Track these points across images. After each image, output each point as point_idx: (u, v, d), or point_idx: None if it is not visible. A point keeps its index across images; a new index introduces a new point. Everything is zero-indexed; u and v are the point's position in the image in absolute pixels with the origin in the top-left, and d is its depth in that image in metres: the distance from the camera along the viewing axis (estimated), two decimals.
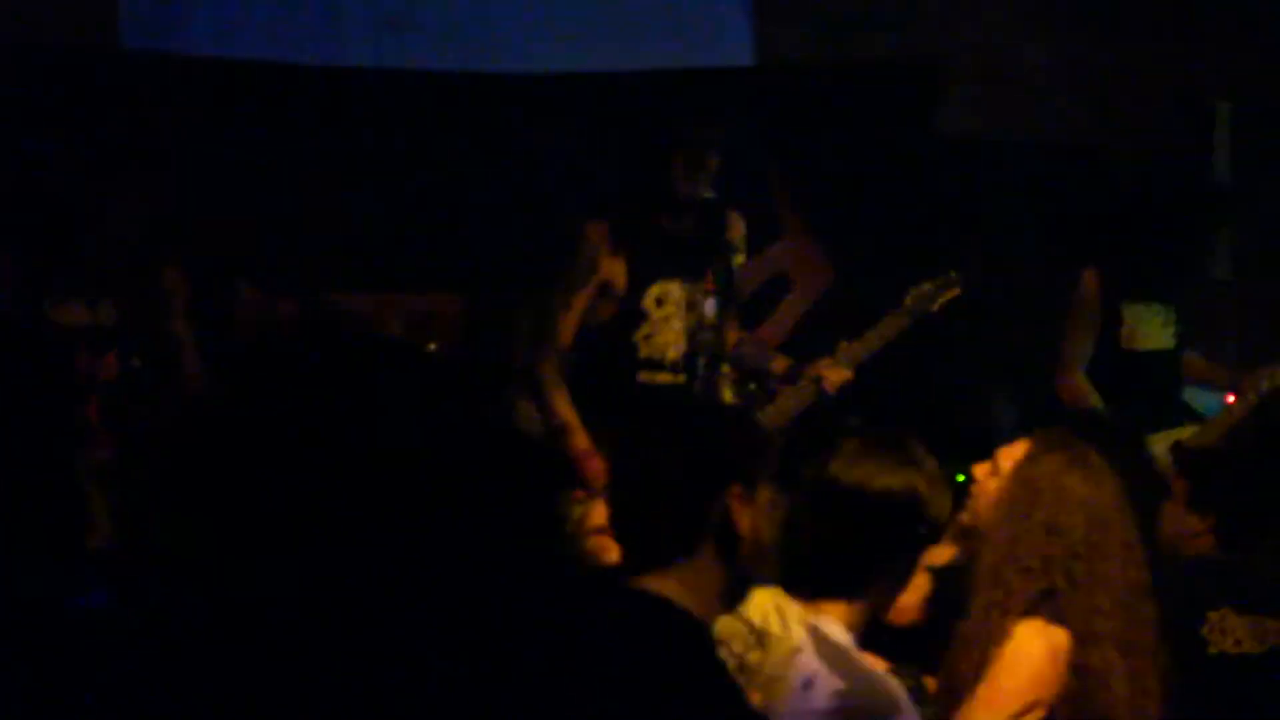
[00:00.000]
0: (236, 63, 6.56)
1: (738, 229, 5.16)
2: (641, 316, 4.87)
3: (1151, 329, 5.84)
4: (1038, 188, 7.31)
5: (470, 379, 4.07)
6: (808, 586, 2.79)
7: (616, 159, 5.51)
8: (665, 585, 2.42)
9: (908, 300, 5.36)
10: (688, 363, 4.92)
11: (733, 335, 5.23)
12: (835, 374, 5.03)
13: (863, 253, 7.04)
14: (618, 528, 2.66)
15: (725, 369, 5.25)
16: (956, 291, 5.46)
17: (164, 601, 2.02)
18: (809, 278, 6.94)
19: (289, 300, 6.22)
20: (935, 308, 5.39)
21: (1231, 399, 5.82)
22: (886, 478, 2.92)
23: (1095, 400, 5.61)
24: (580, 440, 4.66)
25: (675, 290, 4.94)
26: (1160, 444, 5.32)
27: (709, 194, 4.86)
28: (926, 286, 5.39)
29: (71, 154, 6.23)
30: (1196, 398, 6.19)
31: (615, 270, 4.91)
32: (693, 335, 4.97)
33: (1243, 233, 7.42)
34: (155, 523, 2.05)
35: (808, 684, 2.75)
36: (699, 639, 2.45)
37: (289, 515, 1.87)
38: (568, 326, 4.87)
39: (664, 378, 4.89)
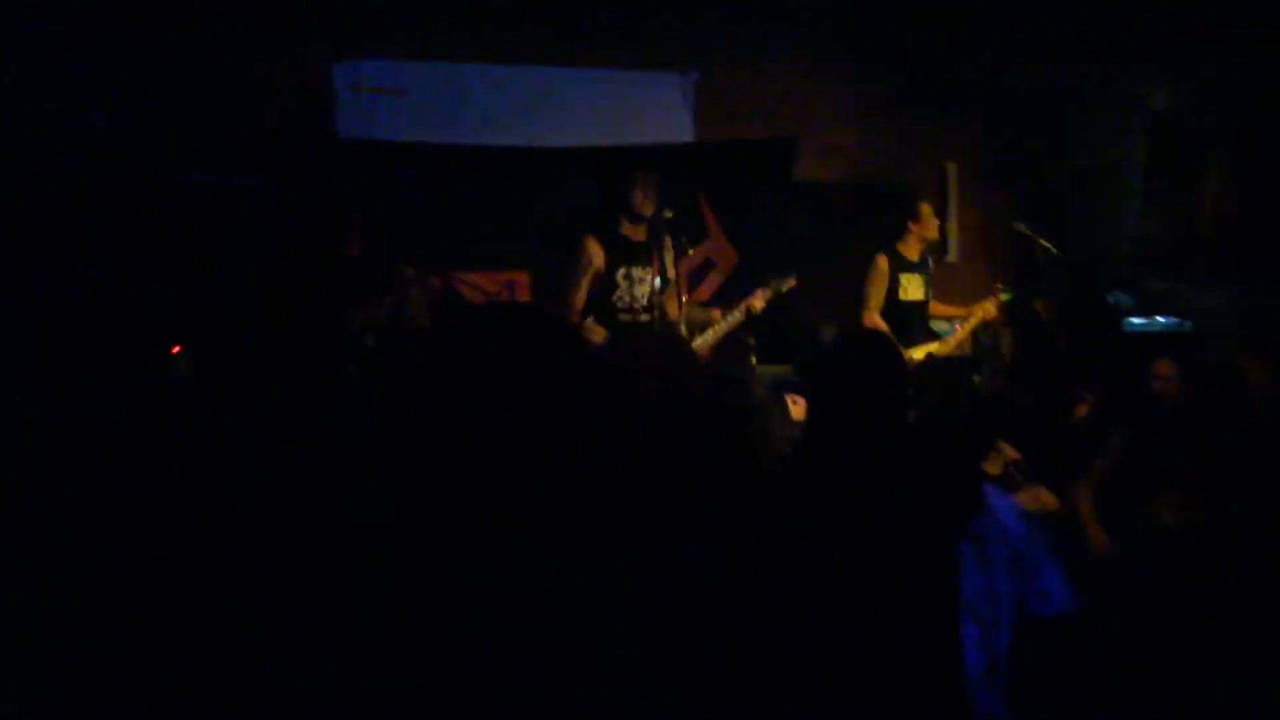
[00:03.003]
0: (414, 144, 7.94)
1: (668, 244, 6.37)
2: (615, 286, 6.23)
3: (914, 287, 7.46)
4: (843, 212, 8.96)
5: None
6: None
7: (606, 195, 6.66)
8: None
9: (774, 281, 6.67)
10: (648, 309, 6.27)
11: (673, 303, 6.34)
12: (759, 301, 6.52)
13: (753, 248, 8.67)
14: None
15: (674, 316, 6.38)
16: (793, 284, 6.69)
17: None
18: (724, 260, 8.79)
19: (434, 277, 7.13)
20: (785, 290, 6.67)
21: (959, 328, 7.40)
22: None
23: (884, 329, 6.88)
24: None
25: (636, 270, 6.28)
26: (918, 353, 7.06)
27: (653, 212, 6.20)
28: (778, 278, 6.70)
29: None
30: (940, 326, 7.71)
31: (599, 260, 6.21)
32: (649, 296, 6.29)
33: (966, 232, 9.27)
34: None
35: None
36: None
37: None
38: (580, 299, 6.17)
39: (629, 317, 6.27)
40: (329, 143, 8.03)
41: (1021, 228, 7.79)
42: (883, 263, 7.27)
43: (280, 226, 7.42)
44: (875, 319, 7.20)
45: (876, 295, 7.26)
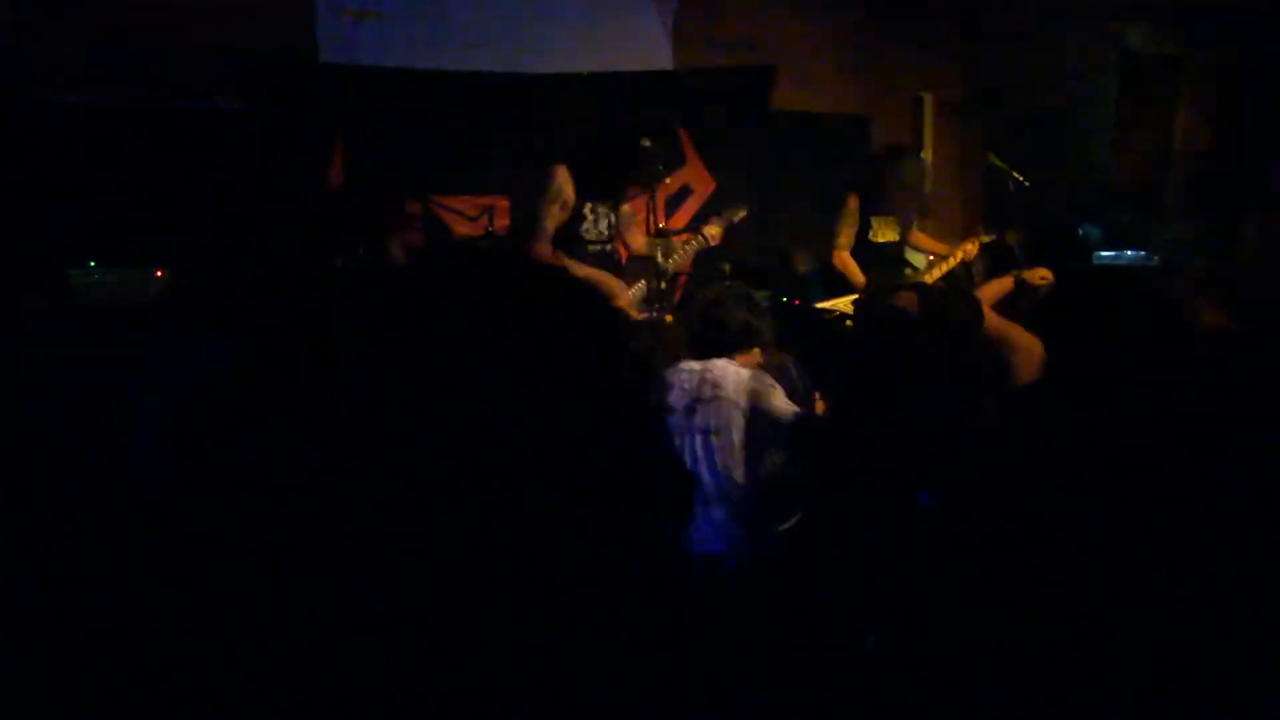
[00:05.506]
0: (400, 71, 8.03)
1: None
2: (583, 218, 6.19)
3: (886, 229, 7.21)
4: (827, 141, 9.02)
5: None
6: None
7: (592, 130, 6.53)
8: None
9: (726, 211, 6.66)
10: (611, 241, 6.30)
11: (638, 234, 6.50)
12: (714, 230, 6.52)
13: (731, 173, 8.79)
14: None
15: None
16: (744, 214, 6.70)
17: None
18: (701, 187, 8.96)
19: (414, 202, 7.72)
20: (738, 218, 6.67)
21: (935, 268, 7.01)
22: (731, 309, 4.52)
23: (855, 272, 6.87)
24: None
25: (601, 206, 6.27)
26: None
27: (647, 143, 6.08)
28: (737, 206, 6.75)
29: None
30: (915, 259, 7.54)
31: (569, 191, 6.10)
32: (613, 226, 6.32)
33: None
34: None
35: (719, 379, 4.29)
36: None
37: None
38: (549, 229, 6.04)
39: (598, 249, 6.27)
40: (310, 67, 8.06)
41: (993, 159, 7.65)
42: (853, 202, 7.06)
43: (260, 153, 7.53)
44: (845, 258, 7.07)
45: (847, 235, 7.06)
